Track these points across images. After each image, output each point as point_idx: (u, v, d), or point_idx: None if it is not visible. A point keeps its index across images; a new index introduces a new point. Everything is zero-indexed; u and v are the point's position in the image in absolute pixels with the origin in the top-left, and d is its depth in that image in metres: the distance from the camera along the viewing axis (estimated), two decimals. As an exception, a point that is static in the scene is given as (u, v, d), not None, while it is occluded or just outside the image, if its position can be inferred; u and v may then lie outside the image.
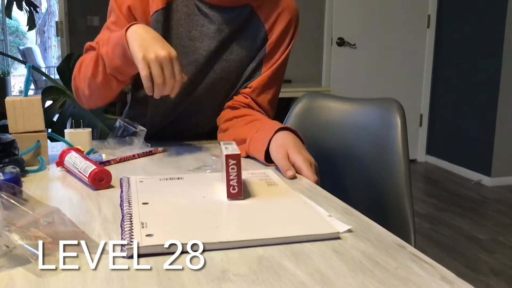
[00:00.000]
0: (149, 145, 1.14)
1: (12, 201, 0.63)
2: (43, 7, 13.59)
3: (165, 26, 1.13)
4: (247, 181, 0.90)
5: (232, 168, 0.78)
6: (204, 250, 0.61)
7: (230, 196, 0.78)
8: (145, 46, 0.95)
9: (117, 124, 1.17)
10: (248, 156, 1.09)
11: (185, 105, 1.22)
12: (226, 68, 1.19)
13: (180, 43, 1.15)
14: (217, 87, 1.21)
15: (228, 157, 0.78)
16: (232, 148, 0.82)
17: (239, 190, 0.78)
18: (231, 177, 0.78)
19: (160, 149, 1.14)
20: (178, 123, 1.26)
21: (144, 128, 1.14)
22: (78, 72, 1.12)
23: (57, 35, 4.45)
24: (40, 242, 0.58)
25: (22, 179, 0.89)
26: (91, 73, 1.07)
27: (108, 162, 1.01)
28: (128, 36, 0.97)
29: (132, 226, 0.66)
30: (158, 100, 1.22)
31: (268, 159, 1.02)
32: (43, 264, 0.56)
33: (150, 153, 1.10)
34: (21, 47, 11.12)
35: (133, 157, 1.07)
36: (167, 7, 1.13)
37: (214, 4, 1.14)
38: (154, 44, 0.96)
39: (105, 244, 0.63)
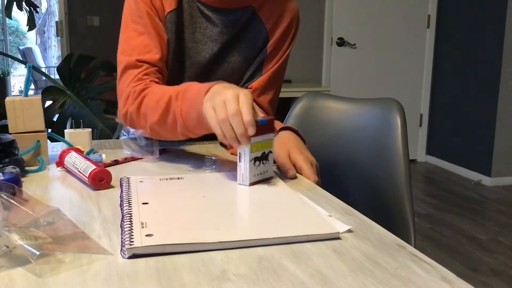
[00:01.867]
0: (165, 148, 1.12)
1: (12, 201, 0.63)
2: (43, 7, 13.60)
3: (177, 26, 1.13)
4: (247, 181, 0.90)
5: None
6: (204, 250, 0.61)
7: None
8: (214, 96, 0.86)
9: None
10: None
11: None
12: (228, 70, 1.19)
13: (184, 45, 1.15)
14: None
15: None
16: None
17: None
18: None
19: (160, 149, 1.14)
20: None
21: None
22: (137, 109, 1.02)
23: (57, 35, 4.45)
24: (40, 242, 0.58)
25: (22, 179, 0.89)
26: (157, 120, 0.98)
27: (117, 161, 1.01)
28: (204, 103, 0.87)
29: (132, 226, 0.66)
30: None
31: None
32: (43, 264, 0.56)
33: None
34: (21, 47, 11.13)
35: (126, 160, 1.06)
36: (178, 7, 1.13)
37: (216, 7, 1.14)
38: (222, 90, 0.86)
39: (105, 244, 0.63)
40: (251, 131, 0.81)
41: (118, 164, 1.02)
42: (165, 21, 1.12)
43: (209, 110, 0.84)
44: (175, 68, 1.16)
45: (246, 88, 1.22)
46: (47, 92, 2.53)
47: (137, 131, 1.04)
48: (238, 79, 1.21)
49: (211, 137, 1.27)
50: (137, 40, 1.08)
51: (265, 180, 0.90)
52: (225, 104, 0.82)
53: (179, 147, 1.19)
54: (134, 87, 1.04)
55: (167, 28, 1.12)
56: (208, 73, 1.18)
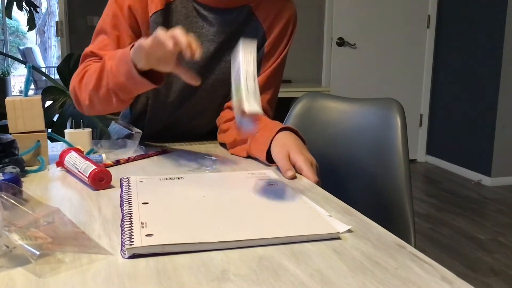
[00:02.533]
0: (143, 147, 1.13)
1: (12, 201, 0.63)
2: (43, 7, 13.60)
3: (164, 28, 1.12)
4: (247, 181, 0.90)
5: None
6: (204, 250, 0.61)
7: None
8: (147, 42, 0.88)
9: (112, 126, 1.16)
10: (249, 156, 1.09)
11: (184, 107, 1.22)
12: (225, 70, 1.19)
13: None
14: (216, 89, 1.21)
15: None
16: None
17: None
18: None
19: (159, 150, 1.14)
20: (177, 125, 1.26)
21: (139, 131, 1.12)
22: (79, 82, 1.08)
23: (57, 35, 4.45)
24: (40, 242, 0.58)
25: (22, 179, 0.89)
26: (93, 86, 1.03)
27: (118, 162, 1.01)
28: (132, 51, 0.92)
29: (132, 226, 0.66)
30: (158, 103, 1.22)
31: (269, 159, 1.02)
32: (43, 264, 0.56)
33: (147, 156, 1.10)
34: (21, 47, 11.12)
35: (128, 160, 1.06)
36: (166, 8, 1.12)
37: (212, 7, 1.14)
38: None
39: (105, 244, 0.63)
40: (198, 54, 0.84)
41: (119, 164, 1.02)
42: (149, 22, 1.11)
43: (149, 40, 0.86)
44: None
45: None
46: (47, 92, 2.53)
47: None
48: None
49: (211, 137, 1.27)
50: (101, 36, 1.12)
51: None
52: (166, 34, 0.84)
53: (178, 147, 1.19)
54: (81, 68, 1.10)
55: (152, 29, 1.11)
56: (204, 73, 1.18)
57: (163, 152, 1.13)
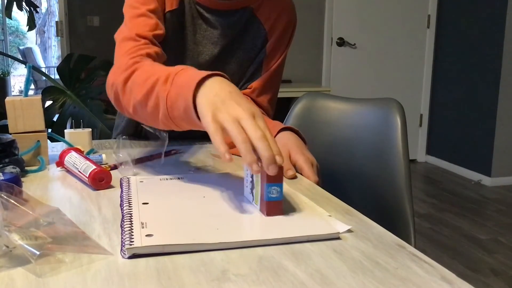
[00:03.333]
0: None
1: (12, 201, 0.63)
2: (43, 7, 13.60)
3: (176, 27, 1.13)
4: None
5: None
6: (204, 250, 0.61)
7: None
8: (217, 103, 0.72)
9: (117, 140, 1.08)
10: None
11: None
12: (228, 71, 1.19)
13: (186, 46, 1.15)
14: None
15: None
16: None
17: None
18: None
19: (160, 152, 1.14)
20: None
21: (165, 134, 1.03)
22: (123, 83, 0.91)
23: (57, 35, 4.45)
24: (40, 242, 0.58)
25: (22, 179, 0.89)
26: (139, 100, 0.87)
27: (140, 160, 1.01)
28: (199, 98, 0.75)
29: (132, 226, 0.66)
30: None
31: None
32: (43, 264, 0.56)
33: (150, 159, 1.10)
34: (21, 47, 11.13)
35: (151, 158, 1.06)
36: (180, 7, 1.12)
37: (214, 9, 1.14)
38: (229, 100, 0.72)
39: (105, 244, 0.63)
40: (280, 160, 0.68)
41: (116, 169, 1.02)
42: (164, 19, 1.11)
43: (212, 123, 0.71)
44: None
45: (246, 88, 1.22)
46: (47, 92, 2.53)
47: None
48: (238, 79, 1.22)
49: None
50: (136, 20, 1.03)
51: None
52: (238, 122, 0.69)
53: (179, 147, 1.19)
54: (127, 59, 0.95)
55: (165, 27, 1.12)
56: None
57: (166, 155, 1.13)
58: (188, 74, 0.80)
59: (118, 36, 1.03)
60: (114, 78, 0.94)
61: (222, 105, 0.71)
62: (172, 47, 1.14)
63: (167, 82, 0.81)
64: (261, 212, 0.72)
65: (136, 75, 0.90)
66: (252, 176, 0.75)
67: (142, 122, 0.94)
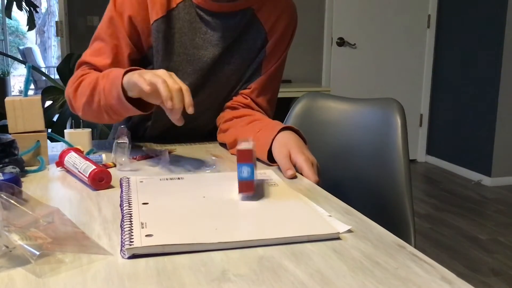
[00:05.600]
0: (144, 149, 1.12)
1: (12, 201, 0.63)
2: (43, 7, 13.60)
3: (166, 35, 1.12)
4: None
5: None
6: (204, 250, 0.61)
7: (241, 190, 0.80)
8: (140, 74, 0.91)
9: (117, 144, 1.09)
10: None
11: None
12: (228, 72, 1.19)
13: (184, 51, 1.14)
14: (218, 91, 1.21)
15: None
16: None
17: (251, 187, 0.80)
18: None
19: (160, 153, 1.13)
20: (179, 127, 1.26)
21: (166, 149, 1.10)
22: (74, 91, 1.10)
23: (57, 35, 4.45)
24: (40, 242, 0.58)
25: (22, 179, 0.89)
26: (86, 99, 1.06)
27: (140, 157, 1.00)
28: (126, 81, 0.94)
29: (132, 226, 0.66)
30: (162, 108, 1.22)
31: (270, 159, 1.02)
32: (43, 264, 0.56)
33: (149, 157, 1.10)
34: (21, 47, 11.12)
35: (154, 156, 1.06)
36: (167, 15, 1.11)
37: (215, 12, 1.13)
38: (146, 72, 0.92)
39: (105, 244, 0.63)
40: (191, 110, 0.88)
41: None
42: (150, 30, 1.11)
43: (139, 78, 0.89)
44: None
45: (246, 88, 1.22)
46: (47, 92, 2.53)
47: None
48: (238, 80, 1.21)
49: (211, 137, 1.27)
50: (99, 43, 1.13)
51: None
52: (160, 76, 0.87)
53: (179, 147, 1.19)
54: (77, 73, 1.12)
55: (154, 37, 1.11)
56: (209, 76, 1.18)
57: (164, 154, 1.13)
58: (117, 70, 0.99)
59: (84, 53, 1.16)
60: (67, 90, 1.13)
61: (144, 74, 0.90)
62: (167, 53, 1.13)
63: (103, 79, 1.01)
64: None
65: (83, 83, 1.08)
66: None
67: (91, 120, 1.12)
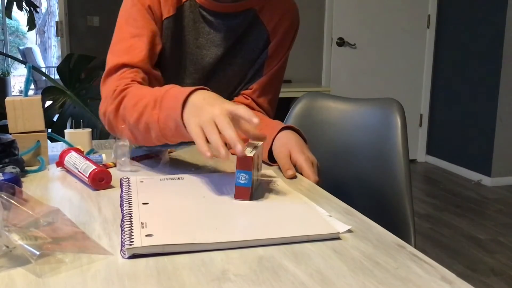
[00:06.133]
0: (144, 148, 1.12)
1: (12, 201, 0.63)
2: (43, 7, 13.60)
3: (175, 33, 1.12)
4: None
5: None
6: (204, 250, 0.61)
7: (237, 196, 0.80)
8: (199, 112, 0.81)
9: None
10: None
11: None
12: (230, 72, 1.19)
13: (187, 50, 1.14)
14: (220, 91, 1.21)
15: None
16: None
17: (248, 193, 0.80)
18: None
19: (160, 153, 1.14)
20: None
21: (166, 149, 1.09)
22: (115, 110, 0.99)
23: (57, 35, 4.45)
24: (40, 242, 0.58)
25: (22, 179, 0.89)
26: (134, 124, 0.94)
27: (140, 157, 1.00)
28: (186, 118, 0.83)
29: (132, 226, 0.66)
30: None
31: (271, 159, 1.02)
32: (43, 264, 0.56)
33: (149, 157, 1.10)
34: (21, 47, 11.12)
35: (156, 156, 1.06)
36: (177, 13, 1.12)
37: (218, 12, 1.13)
38: (206, 105, 0.82)
39: (105, 244, 0.63)
40: (240, 148, 0.77)
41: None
42: (162, 27, 1.11)
43: (195, 128, 0.80)
44: (176, 74, 1.16)
45: (247, 89, 1.22)
46: (47, 92, 2.53)
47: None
48: (239, 80, 1.21)
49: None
50: (128, 42, 1.06)
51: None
52: (214, 122, 0.78)
53: (179, 147, 1.19)
54: (115, 87, 1.01)
55: (164, 34, 1.11)
56: (210, 77, 1.18)
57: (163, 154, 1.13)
58: (172, 95, 0.88)
59: (108, 60, 1.06)
60: (105, 107, 1.02)
61: (201, 112, 0.81)
62: (173, 52, 1.14)
63: (155, 107, 0.89)
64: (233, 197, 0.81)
65: (126, 102, 0.97)
66: None
67: (137, 143, 1.01)
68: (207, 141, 0.79)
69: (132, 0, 1.09)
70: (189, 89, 0.85)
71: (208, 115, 0.79)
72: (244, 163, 0.79)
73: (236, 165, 0.80)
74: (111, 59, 1.06)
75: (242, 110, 0.79)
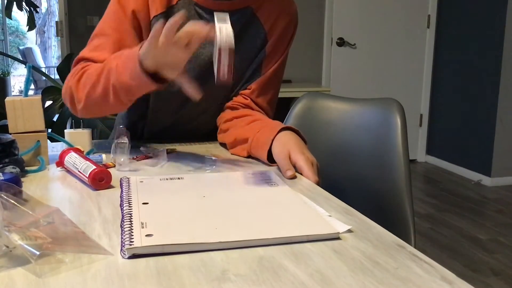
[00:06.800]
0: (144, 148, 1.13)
1: (12, 201, 0.63)
2: (43, 7, 13.60)
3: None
4: (247, 181, 0.90)
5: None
6: (204, 250, 0.61)
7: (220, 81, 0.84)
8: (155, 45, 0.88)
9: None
10: (249, 156, 1.09)
11: (186, 109, 1.22)
12: None
13: None
14: (218, 90, 1.21)
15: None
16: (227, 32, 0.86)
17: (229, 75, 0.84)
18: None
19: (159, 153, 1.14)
20: (178, 126, 1.26)
21: (164, 149, 1.10)
22: (77, 81, 1.06)
23: (57, 35, 4.45)
24: (40, 242, 0.58)
25: (22, 179, 0.89)
26: (92, 84, 1.02)
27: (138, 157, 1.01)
28: (141, 51, 0.91)
29: (132, 226, 0.66)
30: (159, 105, 1.22)
31: (270, 159, 1.02)
32: (43, 264, 0.56)
33: (148, 157, 1.10)
34: (21, 47, 11.12)
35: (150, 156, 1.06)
36: (167, 11, 1.11)
37: (214, 9, 1.13)
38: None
39: (105, 244, 0.63)
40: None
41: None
42: (150, 26, 1.10)
43: (152, 44, 0.87)
44: None
45: (246, 89, 1.21)
46: (47, 92, 2.53)
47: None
48: (237, 79, 1.21)
49: (211, 137, 1.27)
50: (99, 39, 1.11)
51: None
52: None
53: (179, 147, 1.19)
54: (78, 67, 1.09)
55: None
56: (206, 75, 1.18)
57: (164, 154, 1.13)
58: (131, 49, 0.96)
59: (84, 49, 1.13)
60: (66, 84, 1.09)
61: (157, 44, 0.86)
62: None
63: (115, 59, 0.98)
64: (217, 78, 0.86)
65: (88, 71, 1.05)
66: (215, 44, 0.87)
67: (93, 113, 1.08)
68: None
69: (115, 4, 1.11)
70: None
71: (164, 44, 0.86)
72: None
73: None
74: (83, 51, 1.12)
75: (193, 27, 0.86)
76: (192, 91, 0.89)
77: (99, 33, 1.12)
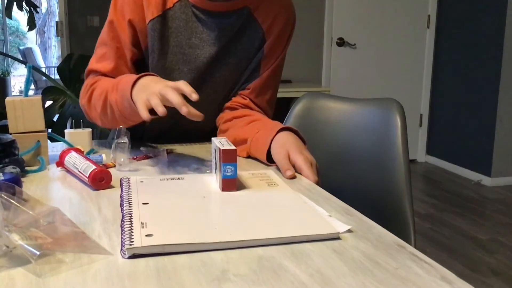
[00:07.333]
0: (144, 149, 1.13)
1: (12, 201, 0.63)
2: (43, 7, 13.60)
3: (162, 34, 1.12)
4: (247, 181, 0.90)
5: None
6: (204, 250, 0.61)
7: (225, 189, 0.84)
8: (145, 88, 0.93)
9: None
10: (249, 156, 1.09)
11: None
12: (226, 72, 1.19)
13: (180, 51, 1.14)
14: (217, 91, 1.21)
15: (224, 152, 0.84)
16: (227, 144, 0.88)
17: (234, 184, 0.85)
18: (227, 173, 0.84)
19: (159, 152, 1.14)
20: (178, 127, 1.26)
21: (165, 149, 1.11)
22: (88, 101, 1.13)
23: (57, 35, 4.45)
24: (40, 242, 0.58)
25: (22, 179, 0.89)
26: (100, 110, 1.08)
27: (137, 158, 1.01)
28: (134, 94, 0.95)
29: (132, 226, 0.66)
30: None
31: (269, 159, 1.02)
32: (43, 264, 0.56)
33: (148, 157, 1.10)
34: (21, 47, 11.12)
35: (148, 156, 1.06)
36: (163, 14, 1.11)
37: (211, 11, 1.13)
38: (153, 82, 0.93)
39: (105, 244, 0.63)
40: (195, 97, 0.86)
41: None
42: (146, 30, 1.12)
43: (140, 99, 0.91)
44: (168, 74, 1.15)
45: (244, 88, 1.21)
46: (47, 92, 2.53)
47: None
48: (236, 80, 1.21)
49: (210, 138, 1.27)
50: (102, 49, 1.15)
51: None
52: (159, 94, 0.88)
53: (179, 147, 1.19)
54: (87, 82, 1.15)
55: (150, 36, 1.12)
56: (205, 76, 1.18)
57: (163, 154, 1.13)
58: (125, 80, 1.00)
59: (92, 60, 1.18)
60: (80, 100, 1.17)
61: (147, 88, 0.92)
62: (163, 53, 1.13)
63: (113, 92, 1.03)
64: (219, 188, 0.85)
65: (95, 93, 1.11)
66: (215, 158, 0.89)
67: (109, 127, 1.20)
68: (154, 113, 0.90)
69: (113, 9, 1.13)
70: (140, 74, 0.98)
71: (153, 89, 0.90)
72: (229, 155, 0.84)
73: (221, 159, 0.84)
74: (91, 61, 1.17)
75: (182, 85, 0.88)
76: (194, 114, 0.88)
77: (102, 42, 1.16)
